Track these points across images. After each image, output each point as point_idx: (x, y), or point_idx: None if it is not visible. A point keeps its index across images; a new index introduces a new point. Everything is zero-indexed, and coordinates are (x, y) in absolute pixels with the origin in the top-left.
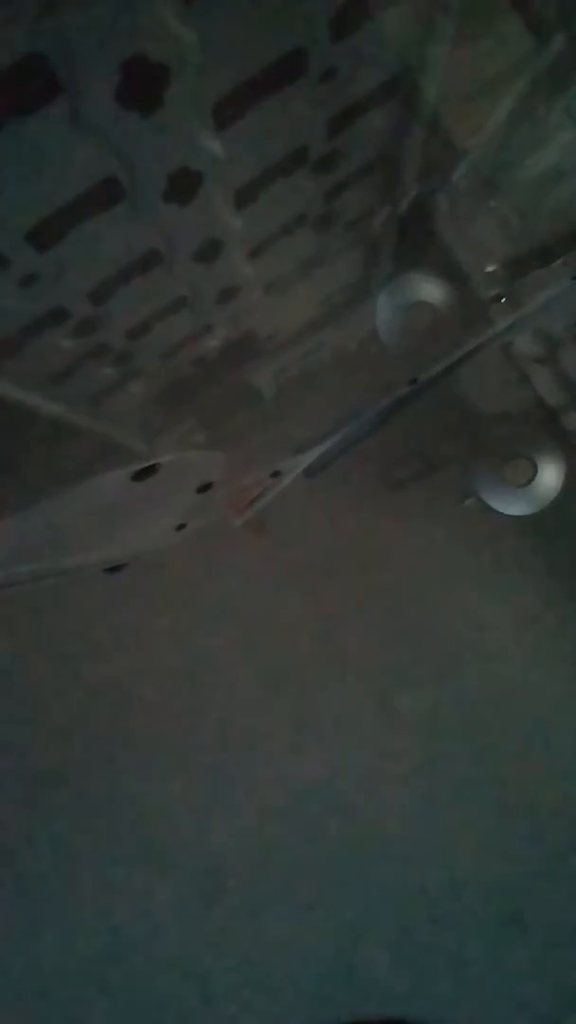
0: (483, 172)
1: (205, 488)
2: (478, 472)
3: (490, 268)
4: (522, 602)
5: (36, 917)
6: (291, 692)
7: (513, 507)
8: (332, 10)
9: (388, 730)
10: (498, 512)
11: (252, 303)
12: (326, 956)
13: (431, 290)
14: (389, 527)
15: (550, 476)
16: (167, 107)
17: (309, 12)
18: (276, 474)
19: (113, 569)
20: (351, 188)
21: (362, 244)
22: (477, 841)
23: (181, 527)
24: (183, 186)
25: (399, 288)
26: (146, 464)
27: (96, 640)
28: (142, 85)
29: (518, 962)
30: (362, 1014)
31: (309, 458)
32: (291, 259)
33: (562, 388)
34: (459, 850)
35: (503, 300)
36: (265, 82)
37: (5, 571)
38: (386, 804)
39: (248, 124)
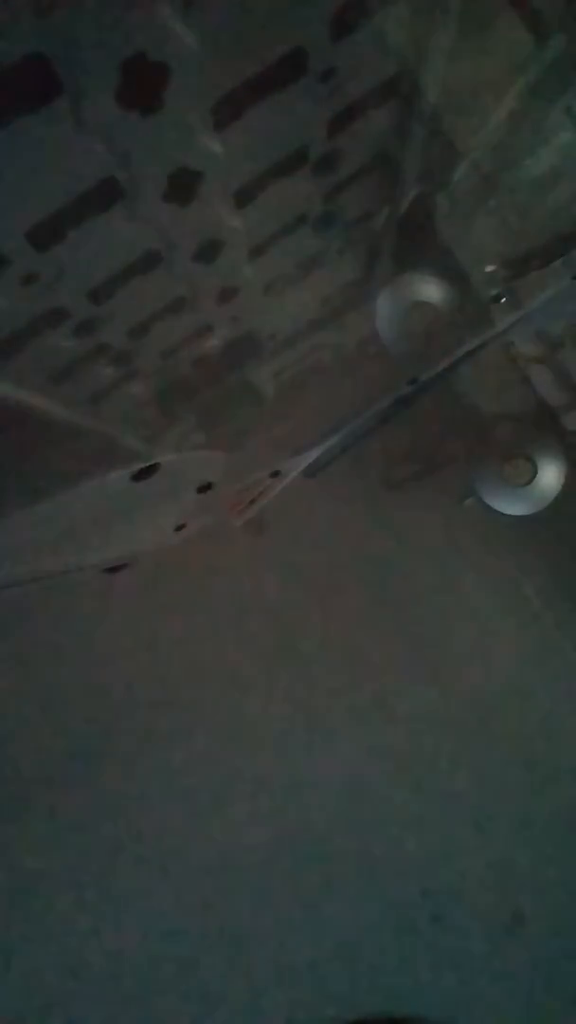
0: (483, 172)
1: (205, 488)
2: (478, 472)
3: (490, 268)
4: (522, 602)
5: (34, 916)
6: (291, 691)
7: (513, 507)
8: (332, 10)
9: (388, 728)
10: (498, 512)
11: (252, 303)
12: (327, 956)
13: (431, 290)
14: (389, 527)
15: (550, 476)
16: (167, 107)
17: (309, 12)
18: (276, 474)
19: (113, 569)
20: (351, 188)
21: (362, 244)
22: (477, 841)
23: (181, 527)
24: (183, 186)
25: (399, 288)
26: (146, 464)
27: (96, 640)
28: (142, 85)
29: (518, 962)
30: (364, 1012)
31: (309, 458)
32: (291, 259)
33: (562, 388)
34: (459, 850)
35: (503, 300)
36: (265, 82)
37: (5, 571)
38: (385, 803)
39: (248, 124)
